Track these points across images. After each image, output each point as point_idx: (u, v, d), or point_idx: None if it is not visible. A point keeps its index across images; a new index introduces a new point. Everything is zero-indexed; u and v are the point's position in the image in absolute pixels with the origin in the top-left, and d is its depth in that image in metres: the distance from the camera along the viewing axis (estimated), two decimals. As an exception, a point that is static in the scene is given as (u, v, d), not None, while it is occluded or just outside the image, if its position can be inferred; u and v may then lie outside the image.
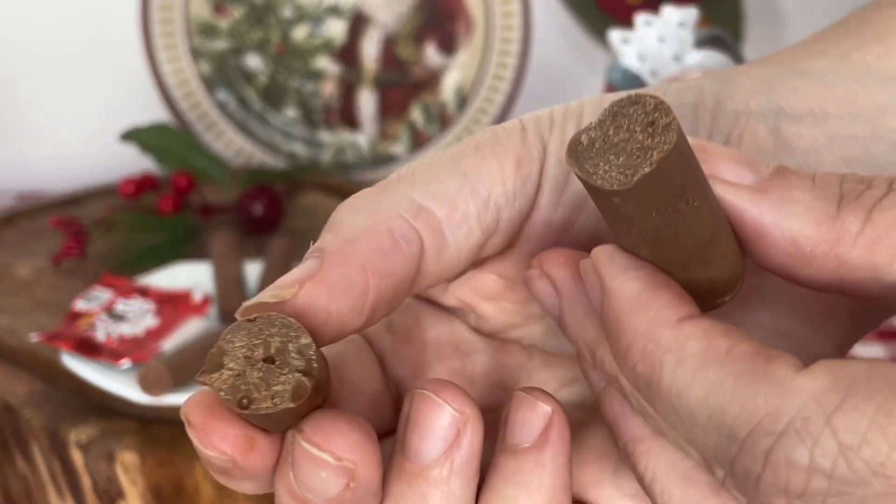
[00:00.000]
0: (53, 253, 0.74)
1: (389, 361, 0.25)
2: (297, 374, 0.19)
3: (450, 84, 1.00)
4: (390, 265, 0.22)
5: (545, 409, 0.21)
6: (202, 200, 0.81)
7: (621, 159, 0.18)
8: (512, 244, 0.24)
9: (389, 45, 1.00)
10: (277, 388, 0.19)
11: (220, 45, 1.00)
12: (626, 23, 0.86)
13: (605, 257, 0.19)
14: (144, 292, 0.65)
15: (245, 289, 0.66)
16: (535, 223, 0.24)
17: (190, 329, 0.62)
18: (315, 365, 0.19)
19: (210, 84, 1.00)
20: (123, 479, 0.55)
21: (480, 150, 0.23)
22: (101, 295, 0.64)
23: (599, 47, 0.95)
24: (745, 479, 0.17)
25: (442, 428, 0.21)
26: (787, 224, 0.18)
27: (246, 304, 0.21)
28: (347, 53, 1.00)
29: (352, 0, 0.99)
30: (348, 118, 1.02)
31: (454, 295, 0.26)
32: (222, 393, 0.19)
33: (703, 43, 0.74)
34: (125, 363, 0.57)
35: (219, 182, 0.84)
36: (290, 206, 0.83)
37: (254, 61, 1.01)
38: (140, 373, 0.55)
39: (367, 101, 1.01)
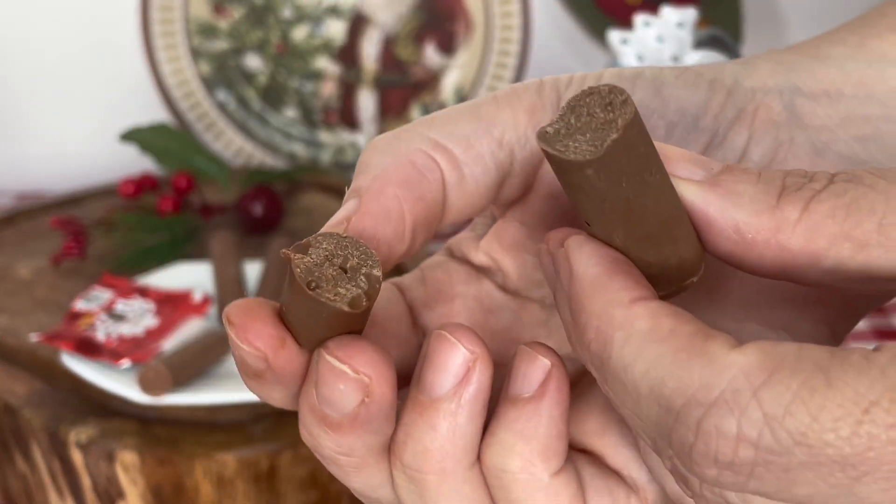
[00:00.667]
0: (53, 253, 0.74)
1: (419, 311, 0.28)
2: (358, 290, 0.21)
3: (449, 84, 1.00)
4: (419, 191, 0.24)
5: (545, 362, 0.23)
6: (202, 200, 0.81)
7: (587, 135, 0.19)
8: (529, 188, 0.26)
9: (389, 45, 1.00)
10: (341, 290, 0.21)
11: (220, 45, 1.00)
12: (626, 23, 0.86)
13: (576, 244, 0.21)
14: (144, 292, 0.65)
15: (245, 289, 0.67)
16: (549, 170, 0.25)
17: (190, 329, 0.62)
18: (375, 288, 0.21)
19: (210, 84, 1.00)
20: (123, 479, 0.55)
21: (497, 99, 0.25)
22: (101, 295, 0.64)
23: (598, 47, 0.95)
24: (682, 450, 0.18)
25: (454, 365, 0.22)
26: (731, 213, 0.20)
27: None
28: (347, 54, 1.00)
29: (351, 0, 0.99)
30: (348, 118, 1.02)
31: (483, 251, 0.28)
32: (298, 269, 0.21)
33: (701, 43, 0.74)
34: (125, 363, 0.57)
35: (219, 182, 0.84)
36: (290, 206, 0.83)
37: (253, 61, 1.01)
38: (140, 373, 0.55)
39: (366, 102, 1.01)
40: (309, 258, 0.22)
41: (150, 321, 0.62)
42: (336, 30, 1.00)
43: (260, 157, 1.01)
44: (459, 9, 0.97)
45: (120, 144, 0.86)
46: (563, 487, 0.23)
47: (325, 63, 1.00)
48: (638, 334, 0.19)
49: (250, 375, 0.23)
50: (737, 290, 0.25)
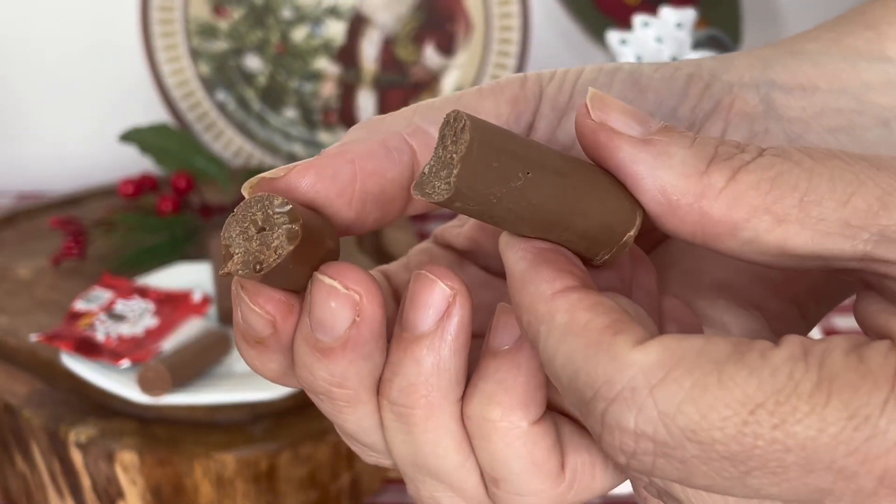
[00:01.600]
0: (53, 253, 0.74)
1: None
2: (285, 226, 0.22)
3: (449, 84, 1.00)
4: (379, 166, 0.24)
5: None
6: (202, 201, 0.81)
7: (443, 172, 0.20)
8: None
9: (388, 45, 1.00)
10: (275, 243, 0.22)
11: (220, 45, 1.00)
12: (625, 24, 0.86)
13: (504, 243, 0.22)
14: (144, 292, 0.65)
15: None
16: None
17: (189, 329, 0.62)
18: (295, 211, 0.22)
19: (210, 85, 1.00)
20: (123, 479, 0.55)
21: (481, 91, 0.26)
22: (101, 295, 0.64)
23: (598, 48, 0.95)
24: (596, 436, 0.20)
25: (435, 301, 0.23)
26: (659, 174, 0.20)
27: (249, 181, 0.23)
28: (347, 54, 1.00)
29: (351, 1, 0.99)
30: (348, 119, 1.02)
31: (465, 236, 0.28)
32: (239, 271, 0.22)
33: (700, 44, 0.74)
34: (125, 363, 0.58)
35: (218, 182, 0.84)
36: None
37: (253, 62, 1.01)
38: (139, 373, 0.55)
39: (366, 102, 1.01)
40: (236, 255, 0.22)
41: (150, 321, 0.62)
42: (336, 30, 1.00)
43: (259, 157, 1.02)
44: (459, 9, 0.97)
45: (120, 145, 0.86)
46: (542, 437, 0.23)
47: (324, 63, 1.01)
48: (557, 328, 0.20)
49: (252, 343, 0.23)
50: (710, 269, 0.26)
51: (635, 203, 0.21)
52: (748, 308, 0.25)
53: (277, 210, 0.22)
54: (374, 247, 0.78)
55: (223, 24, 0.99)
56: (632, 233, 0.22)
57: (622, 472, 0.22)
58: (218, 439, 0.55)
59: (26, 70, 1.02)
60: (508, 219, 0.21)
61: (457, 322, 0.23)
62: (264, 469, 0.55)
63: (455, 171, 0.20)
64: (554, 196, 0.21)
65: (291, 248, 0.21)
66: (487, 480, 0.24)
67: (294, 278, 0.23)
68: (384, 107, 1.01)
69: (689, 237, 0.21)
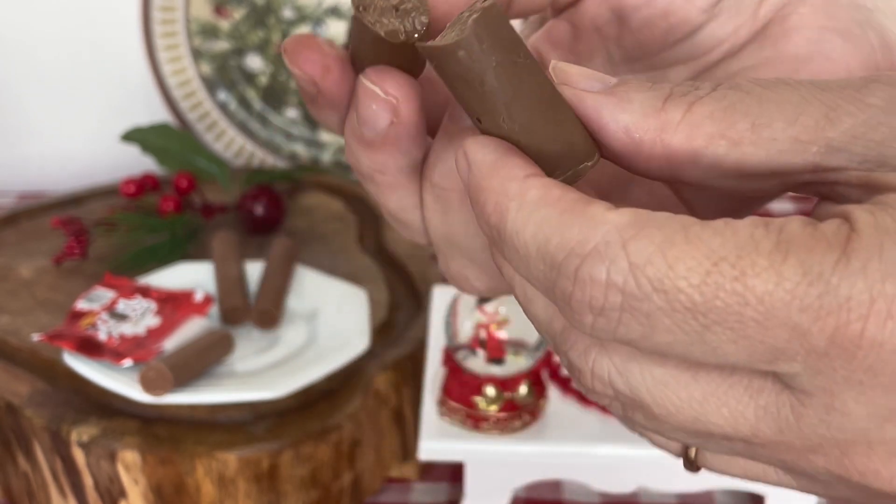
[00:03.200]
0: (55, 253, 0.74)
1: None
2: (402, 27, 0.24)
3: (450, 84, 1.00)
4: None
5: None
6: (203, 200, 0.81)
7: (456, 27, 0.22)
8: None
9: (389, 45, 1.00)
10: (385, 20, 0.24)
11: (221, 45, 1.00)
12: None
13: (472, 141, 0.23)
14: (146, 292, 0.65)
15: (246, 288, 0.67)
16: None
17: (191, 329, 0.62)
18: (414, 33, 0.24)
19: (211, 84, 1.01)
20: (125, 478, 0.56)
21: None
22: (103, 295, 0.65)
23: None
24: (564, 301, 0.20)
25: None
26: (621, 117, 0.22)
27: None
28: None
29: (352, 1, 0.99)
30: (348, 118, 1.02)
31: (531, 45, 0.30)
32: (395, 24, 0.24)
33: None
34: (127, 363, 0.58)
35: (220, 182, 0.85)
36: (291, 205, 0.84)
37: (254, 62, 1.01)
38: (141, 372, 0.55)
39: (367, 102, 1.02)
40: None
41: (152, 321, 0.62)
42: (336, 30, 1.00)
43: (261, 157, 1.02)
44: (460, 9, 0.97)
45: (121, 144, 0.86)
46: None
47: (325, 63, 1.01)
48: (529, 202, 0.21)
49: (308, 100, 0.26)
50: (644, 200, 0.28)
51: (596, 145, 0.23)
52: None
53: (415, 16, 0.24)
54: (375, 246, 0.79)
55: (224, 25, 0.99)
56: (589, 163, 0.23)
57: (581, 372, 0.23)
58: (219, 438, 0.56)
59: (28, 70, 1.03)
60: (493, 97, 0.22)
61: None
62: (266, 468, 0.55)
63: (474, 17, 0.21)
64: (542, 90, 0.22)
65: (381, 34, 0.24)
66: None
67: (364, 58, 0.25)
68: (385, 107, 1.01)
69: (656, 173, 0.22)
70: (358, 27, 0.24)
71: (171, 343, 0.60)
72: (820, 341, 0.19)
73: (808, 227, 0.19)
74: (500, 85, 0.22)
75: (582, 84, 0.23)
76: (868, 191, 0.20)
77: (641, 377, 0.21)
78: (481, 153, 0.22)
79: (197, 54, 1.00)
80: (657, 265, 0.19)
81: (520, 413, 0.52)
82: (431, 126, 0.27)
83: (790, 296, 0.18)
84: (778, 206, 0.90)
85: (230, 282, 0.67)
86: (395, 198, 0.27)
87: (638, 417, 0.22)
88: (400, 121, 0.24)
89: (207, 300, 0.65)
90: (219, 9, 0.99)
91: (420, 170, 0.26)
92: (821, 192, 0.22)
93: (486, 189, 0.22)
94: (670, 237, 0.19)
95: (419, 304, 0.69)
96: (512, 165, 0.22)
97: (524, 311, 0.24)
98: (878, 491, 0.20)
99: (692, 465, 0.24)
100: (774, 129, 0.21)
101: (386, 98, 0.24)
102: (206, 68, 1.00)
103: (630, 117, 0.22)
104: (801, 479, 0.22)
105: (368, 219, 0.83)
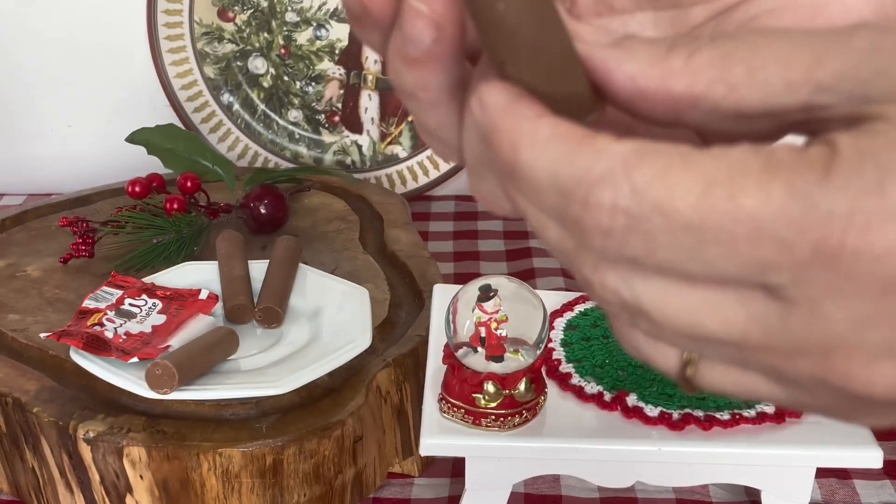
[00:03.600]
0: (62, 252, 0.75)
1: None
2: None
3: (452, 86, 1.00)
4: None
5: None
6: (208, 201, 0.81)
7: None
8: None
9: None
10: None
11: (226, 48, 1.01)
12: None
13: (485, 85, 0.24)
14: (152, 291, 0.65)
15: (250, 287, 0.67)
16: None
17: (196, 326, 0.62)
18: None
19: (215, 86, 1.01)
20: (131, 474, 0.56)
21: None
22: (110, 293, 0.65)
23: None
24: (574, 225, 0.22)
25: None
26: (628, 65, 0.23)
27: None
28: (350, 56, 1.01)
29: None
30: (351, 120, 1.03)
31: None
32: None
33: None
34: (133, 360, 0.58)
35: (224, 182, 0.85)
36: (295, 205, 0.84)
37: (258, 64, 1.02)
38: (147, 369, 0.56)
39: (368, 103, 1.02)
40: None
41: (158, 319, 0.63)
42: (339, 33, 1.01)
43: (265, 157, 1.02)
44: (461, 11, 0.98)
45: (127, 146, 0.86)
46: None
47: (328, 66, 1.01)
48: (541, 138, 0.22)
49: (352, 19, 0.27)
50: None
51: (599, 100, 0.24)
52: None
53: None
54: (377, 246, 0.79)
55: (229, 27, 1.00)
56: (591, 117, 0.24)
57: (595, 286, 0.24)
58: (224, 434, 0.56)
59: (35, 73, 1.03)
60: (520, 49, 0.23)
61: None
62: (270, 464, 0.56)
63: None
64: (563, 44, 0.23)
65: None
66: None
67: None
68: (387, 108, 1.02)
69: (660, 118, 0.24)
70: None
71: (176, 341, 0.60)
72: (804, 253, 0.20)
73: (794, 151, 0.21)
74: (530, 35, 0.23)
75: (589, 37, 0.24)
76: (853, 124, 0.21)
77: (644, 288, 0.23)
78: (496, 96, 0.23)
79: (202, 57, 1.00)
80: (657, 189, 0.21)
81: (519, 410, 0.53)
82: (473, 55, 0.28)
83: (777, 212, 0.20)
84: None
85: (235, 281, 0.67)
86: (436, 115, 0.27)
87: (642, 325, 0.24)
88: (443, 38, 0.25)
89: (212, 298, 0.66)
90: (223, 12, 1.00)
91: (461, 89, 0.27)
92: (811, 130, 0.23)
93: (500, 128, 0.23)
94: (669, 163, 0.21)
95: (420, 302, 0.70)
96: (524, 107, 0.23)
97: (538, 236, 0.25)
98: (855, 393, 0.22)
99: (689, 385, 0.25)
100: (768, 73, 0.22)
101: (431, 15, 0.25)
102: (211, 70, 1.01)
103: (636, 66, 0.23)
104: (789, 387, 0.23)
105: (370, 219, 0.84)
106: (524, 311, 0.52)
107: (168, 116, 1.01)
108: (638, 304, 0.23)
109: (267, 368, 0.60)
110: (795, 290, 0.21)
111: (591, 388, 0.56)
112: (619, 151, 0.21)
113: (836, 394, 0.22)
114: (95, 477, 0.57)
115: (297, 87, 1.02)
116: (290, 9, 1.00)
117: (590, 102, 0.24)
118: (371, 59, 1.01)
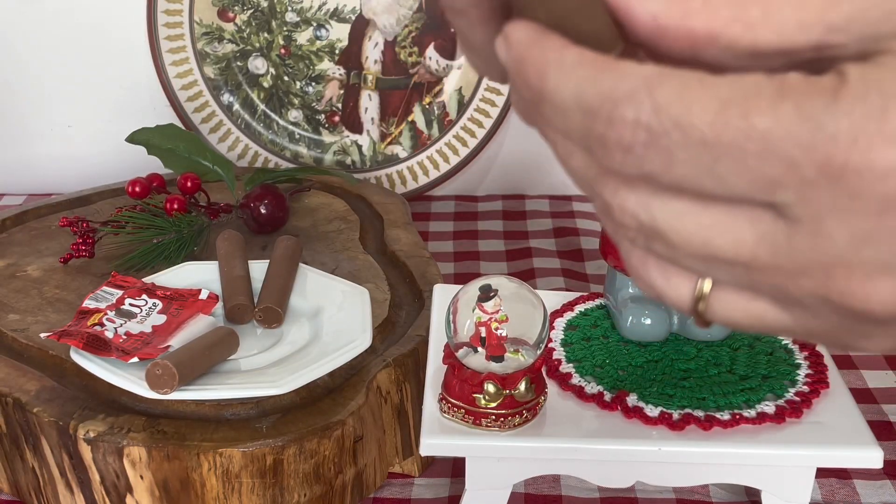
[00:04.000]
0: (62, 252, 0.75)
1: None
2: None
3: (450, 86, 1.01)
4: None
5: None
6: (208, 200, 0.82)
7: None
8: None
9: (391, 48, 1.01)
10: None
11: (226, 48, 1.01)
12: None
13: (510, 24, 0.25)
14: (152, 291, 0.66)
15: (250, 287, 0.67)
16: None
17: (197, 326, 0.62)
18: None
19: (216, 86, 1.01)
20: (131, 474, 0.56)
21: None
22: (110, 293, 0.65)
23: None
24: (598, 142, 0.24)
25: None
26: (649, 4, 0.24)
27: None
28: (350, 56, 1.01)
29: (354, 4, 1.00)
30: (351, 120, 1.03)
31: None
32: None
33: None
34: (133, 360, 0.58)
35: (224, 182, 0.85)
36: (295, 205, 0.84)
37: (258, 64, 1.02)
38: (148, 369, 0.56)
39: (369, 103, 1.02)
40: None
41: (158, 319, 0.63)
42: (339, 33, 1.01)
43: (265, 157, 1.02)
44: (461, 11, 0.98)
45: (127, 146, 0.86)
46: None
47: (328, 66, 1.01)
48: (568, 64, 0.24)
49: None
50: None
51: (617, 33, 0.25)
52: None
53: None
54: (377, 246, 0.79)
55: (229, 27, 1.00)
56: (613, 54, 0.25)
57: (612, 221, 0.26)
58: (225, 434, 0.56)
59: (35, 73, 1.03)
60: None
61: None
62: (270, 464, 0.56)
63: None
64: None
65: None
66: None
67: None
68: (387, 108, 1.02)
69: (678, 54, 0.25)
70: None
71: (176, 341, 0.61)
72: (810, 172, 0.22)
73: (806, 78, 0.22)
74: None
75: None
76: (862, 60, 0.23)
77: (661, 209, 0.24)
78: (521, 32, 0.25)
79: (202, 57, 1.00)
80: (676, 106, 0.22)
81: (520, 410, 0.53)
82: None
83: (786, 132, 0.22)
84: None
85: (235, 281, 0.67)
86: (483, 32, 0.28)
87: (658, 247, 0.25)
88: None
89: (212, 298, 0.66)
90: (223, 12, 1.00)
91: (508, 9, 0.27)
92: (822, 69, 0.24)
93: (527, 59, 0.24)
94: (688, 84, 0.22)
95: (420, 302, 0.70)
96: (549, 38, 0.24)
97: (563, 166, 0.26)
98: (855, 310, 0.23)
99: (701, 319, 0.26)
100: (783, 13, 0.23)
101: None
102: (211, 70, 1.01)
103: (657, 5, 0.24)
104: (795, 310, 0.25)
105: (370, 219, 0.84)
106: (524, 311, 0.52)
107: (168, 116, 1.01)
108: (654, 226, 0.24)
109: (267, 368, 0.60)
110: (801, 209, 0.22)
111: (592, 388, 0.56)
112: (643, 72, 0.23)
113: (838, 313, 0.24)
114: (95, 477, 0.57)
115: (298, 87, 1.02)
116: (290, 9, 1.00)
117: (611, 40, 0.26)
118: (371, 60, 1.01)
